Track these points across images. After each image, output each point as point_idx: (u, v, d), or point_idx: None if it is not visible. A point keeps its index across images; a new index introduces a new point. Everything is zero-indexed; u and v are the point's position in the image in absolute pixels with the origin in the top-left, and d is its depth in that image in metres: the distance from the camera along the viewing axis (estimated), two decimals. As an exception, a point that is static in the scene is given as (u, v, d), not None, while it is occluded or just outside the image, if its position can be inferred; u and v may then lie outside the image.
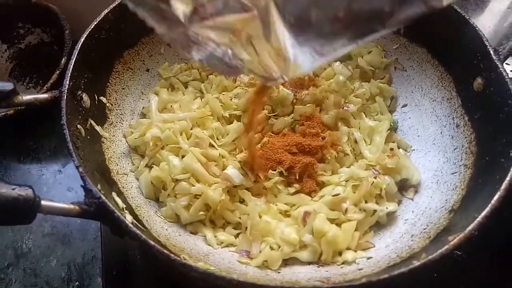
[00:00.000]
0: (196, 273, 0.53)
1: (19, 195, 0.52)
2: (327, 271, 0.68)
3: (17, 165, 1.05)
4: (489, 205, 0.57)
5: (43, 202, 0.55)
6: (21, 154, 1.05)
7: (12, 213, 0.52)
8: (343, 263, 0.70)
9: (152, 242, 0.55)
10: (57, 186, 1.01)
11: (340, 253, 0.71)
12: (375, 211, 0.75)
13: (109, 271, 0.82)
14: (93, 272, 0.87)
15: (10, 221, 0.53)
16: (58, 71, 1.00)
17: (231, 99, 0.88)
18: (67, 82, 0.70)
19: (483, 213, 0.57)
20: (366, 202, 0.75)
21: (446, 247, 0.54)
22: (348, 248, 0.71)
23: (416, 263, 0.54)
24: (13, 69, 1.19)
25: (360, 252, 0.71)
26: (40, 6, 1.11)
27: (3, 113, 0.95)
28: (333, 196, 0.75)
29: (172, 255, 0.54)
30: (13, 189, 0.52)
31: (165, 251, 0.54)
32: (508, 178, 0.59)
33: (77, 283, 0.86)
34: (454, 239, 0.55)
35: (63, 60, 1.01)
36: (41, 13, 1.11)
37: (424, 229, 0.70)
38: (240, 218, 0.76)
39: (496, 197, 0.58)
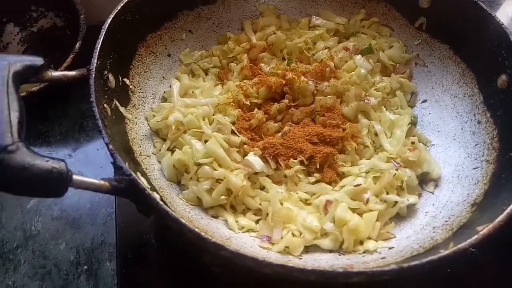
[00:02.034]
0: (227, 252, 0.53)
1: (53, 167, 0.52)
2: (348, 259, 0.69)
3: (27, 148, 1.04)
4: (518, 198, 0.58)
5: (74, 177, 0.55)
6: (31, 137, 1.04)
7: (46, 185, 0.52)
8: (364, 252, 0.70)
9: (183, 220, 0.55)
10: (67, 170, 1.01)
11: (361, 242, 0.71)
12: (396, 202, 0.75)
13: (123, 253, 0.81)
14: (102, 256, 0.87)
15: (43, 193, 0.53)
16: (72, 55, 0.99)
17: (252, 87, 0.88)
18: (95, 60, 0.69)
19: (512, 206, 0.57)
20: (387, 193, 0.76)
21: (475, 236, 0.55)
22: (369, 238, 0.72)
23: (445, 252, 0.55)
24: (24, 52, 1.17)
25: (381, 242, 0.72)
26: (54, -11, 1.10)
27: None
28: (355, 186, 0.76)
29: (203, 233, 0.54)
30: (47, 161, 0.52)
31: (196, 229, 0.54)
32: (535, 172, 0.60)
33: (85, 266, 0.86)
34: (484, 229, 0.55)
35: (77, 44, 1.00)
36: (55, -3, 1.11)
37: (446, 221, 0.70)
38: (260, 204, 0.76)
39: (524, 191, 0.58)
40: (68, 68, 0.97)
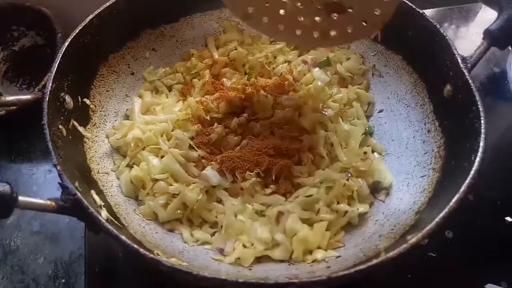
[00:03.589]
0: (164, 267, 0.55)
1: (-4, 190, 0.55)
2: (297, 268, 0.70)
3: (9, 164, 1.07)
4: (447, 207, 0.60)
5: (20, 198, 0.58)
6: (12, 153, 1.08)
7: (-10, 207, 0.55)
8: (313, 261, 0.72)
9: (123, 237, 0.57)
10: (47, 185, 1.03)
11: (311, 252, 0.73)
12: (346, 212, 0.77)
13: (92, 268, 0.83)
14: (79, 270, 0.89)
15: (-12, 214, 0.56)
16: (49, 73, 1.02)
17: (212, 103, 0.91)
18: (50, 84, 0.73)
19: (441, 215, 0.59)
20: (338, 203, 0.78)
21: (404, 246, 0.57)
22: (318, 247, 0.74)
23: (374, 261, 0.56)
24: (7, 71, 1.21)
25: (330, 251, 0.73)
26: (34, 9, 1.14)
27: (-5, 113, 0.98)
28: (307, 197, 0.78)
29: (142, 249, 0.56)
30: (-9, 184, 0.55)
31: (135, 245, 0.57)
32: (467, 181, 0.62)
33: (63, 280, 0.88)
34: (412, 239, 0.57)
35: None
36: (35, 17, 1.14)
37: (392, 229, 0.72)
38: (216, 217, 0.78)
39: (454, 199, 0.60)
40: (45, 86, 1.01)
